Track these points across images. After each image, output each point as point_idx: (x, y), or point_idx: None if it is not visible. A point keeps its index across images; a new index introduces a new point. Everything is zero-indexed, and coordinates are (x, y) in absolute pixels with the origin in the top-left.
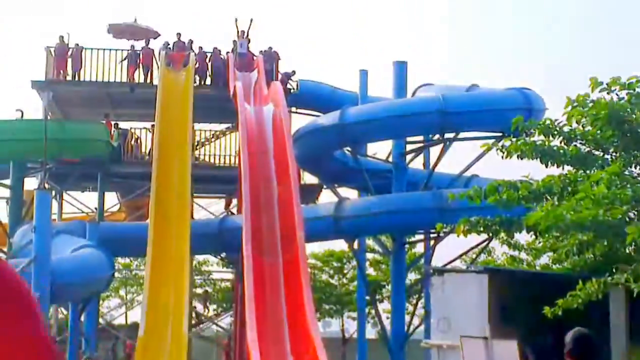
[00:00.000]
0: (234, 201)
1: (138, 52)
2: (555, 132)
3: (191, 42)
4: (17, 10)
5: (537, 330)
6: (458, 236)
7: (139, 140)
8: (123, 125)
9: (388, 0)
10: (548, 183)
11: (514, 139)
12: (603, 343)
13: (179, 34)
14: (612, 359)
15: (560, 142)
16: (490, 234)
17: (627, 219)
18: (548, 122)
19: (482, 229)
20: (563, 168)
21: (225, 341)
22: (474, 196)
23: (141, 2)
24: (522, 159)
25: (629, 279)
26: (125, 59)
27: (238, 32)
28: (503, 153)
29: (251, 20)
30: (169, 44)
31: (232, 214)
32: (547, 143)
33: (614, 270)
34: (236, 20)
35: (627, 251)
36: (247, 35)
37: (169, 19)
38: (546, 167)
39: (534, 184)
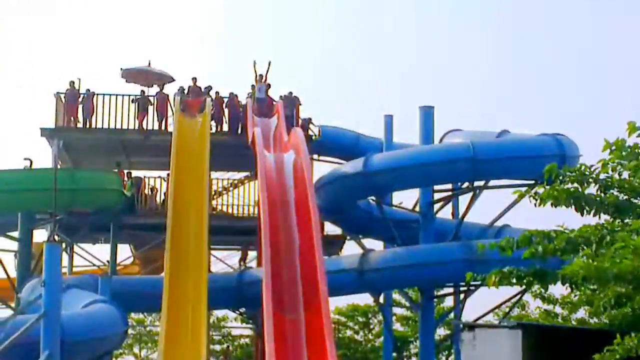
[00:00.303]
0: (253, 253)
1: (147, 97)
2: (591, 180)
3: (208, 87)
4: (26, 54)
5: None
6: (489, 287)
7: (153, 190)
8: (136, 174)
9: (413, 44)
10: (585, 232)
11: (547, 187)
12: None
13: (194, 79)
14: None
15: (597, 190)
16: (524, 286)
17: None
18: (583, 168)
19: (514, 280)
20: (600, 217)
21: None
22: (506, 247)
23: (155, 45)
24: (556, 206)
25: None
26: (134, 101)
27: (256, 75)
28: (536, 200)
29: (269, 63)
30: (184, 89)
31: (248, 267)
32: (580, 190)
33: None
34: (254, 63)
35: None
36: (266, 79)
37: (184, 61)
38: (581, 215)
39: (570, 234)
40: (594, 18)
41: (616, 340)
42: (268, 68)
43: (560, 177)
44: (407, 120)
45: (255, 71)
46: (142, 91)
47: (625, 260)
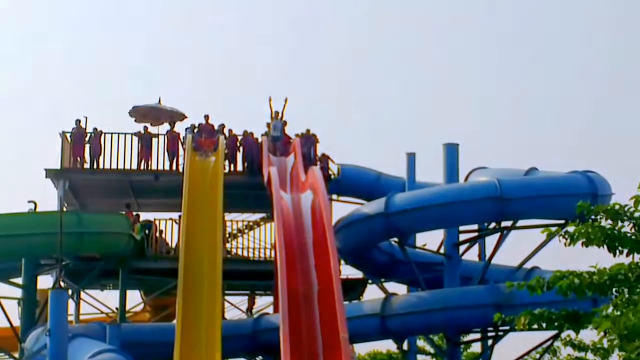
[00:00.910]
0: (267, 299)
1: (151, 135)
2: (625, 218)
3: (221, 125)
4: (29, 91)
5: None
6: (519, 329)
7: (164, 233)
8: (146, 216)
9: (435, 79)
10: (618, 272)
11: (578, 224)
12: None
13: (206, 116)
14: None
15: (631, 229)
16: (555, 330)
17: None
18: (617, 206)
19: (545, 323)
20: (634, 257)
21: None
22: (536, 287)
23: (165, 82)
24: (587, 246)
25: None
26: (136, 135)
27: (272, 112)
28: (566, 239)
29: (286, 100)
30: (195, 127)
31: (264, 314)
32: (614, 228)
33: None
34: (270, 99)
35: None
36: (283, 117)
37: (195, 98)
38: (614, 256)
39: (605, 272)
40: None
41: None
42: (285, 105)
43: (592, 215)
44: (431, 158)
45: (271, 107)
46: (145, 127)
47: None
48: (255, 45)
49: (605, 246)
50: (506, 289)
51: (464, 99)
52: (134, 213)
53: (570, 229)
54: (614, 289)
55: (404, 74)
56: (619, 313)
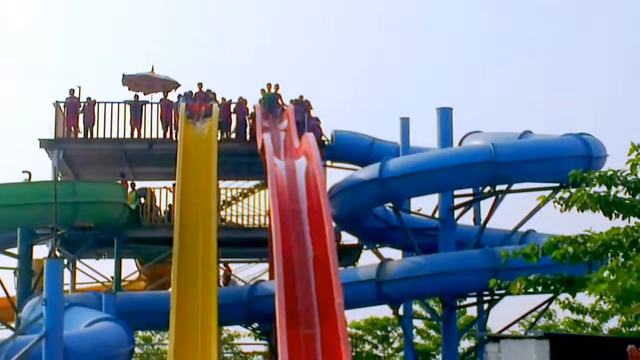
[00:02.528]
0: (263, 265)
1: (142, 102)
2: (619, 182)
3: (213, 93)
4: (22, 62)
5: None
6: (514, 294)
7: (159, 201)
8: (141, 184)
9: (428, 44)
10: (616, 235)
11: (572, 190)
12: None
13: (200, 84)
14: None
15: (625, 193)
16: (550, 294)
17: None
18: (610, 172)
19: (540, 287)
20: (629, 220)
21: None
22: (531, 254)
23: (158, 50)
24: (583, 211)
25: None
26: (126, 103)
27: (269, 87)
28: (561, 205)
29: (277, 87)
30: (189, 95)
31: (260, 280)
32: (609, 194)
33: None
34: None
35: None
36: (271, 87)
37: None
38: (610, 219)
39: (600, 237)
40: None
41: None
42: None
43: (586, 181)
44: (424, 123)
45: (269, 87)
46: (136, 95)
47: None
48: (250, 12)
49: (600, 211)
50: (502, 254)
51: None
52: (129, 182)
53: (565, 195)
54: (609, 254)
55: (398, 38)
56: (614, 277)
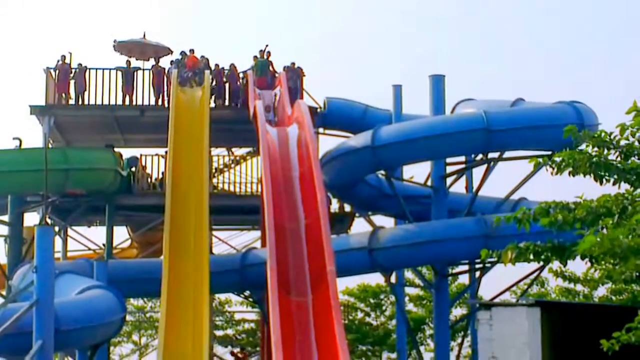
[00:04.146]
0: (257, 233)
1: (134, 69)
2: (611, 146)
3: (205, 59)
4: (14, 27)
5: None
6: (505, 264)
7: (150, 169)
8: (133, 152)
9: (421, 12)
10: (606, 202)
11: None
12: None
13: (192, 50)
14: None
15: (617, 157)
16: (542, 262)
17: None
18: (603, 134)
19: (532, 256)
20: (620, 187)
21: None
22: (522, 219)
23: (150, 16)
24: (574, 175)
25: None
26: (122, 70)
27: (264, 53)
28: (553, 169)
29: (266, 46)
30: (181, 59)
31: (252, 248)
32: (601, 154)
33: None
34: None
35: None
36: (264, 55)
37: (181, 34)
38: (600, 184)
39: (591, 204)
40: None
41: (638, 317)
42: (265, 48)
43: (579, 142)
44: (417, 90)
45: (264, 52)
46: (128, 61)
47: None
48: None
49: (591, 175)
50: (494, 220)
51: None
52: (121, 149)
53: (558, 158)
54: (599, 222)
55: (391, 5)
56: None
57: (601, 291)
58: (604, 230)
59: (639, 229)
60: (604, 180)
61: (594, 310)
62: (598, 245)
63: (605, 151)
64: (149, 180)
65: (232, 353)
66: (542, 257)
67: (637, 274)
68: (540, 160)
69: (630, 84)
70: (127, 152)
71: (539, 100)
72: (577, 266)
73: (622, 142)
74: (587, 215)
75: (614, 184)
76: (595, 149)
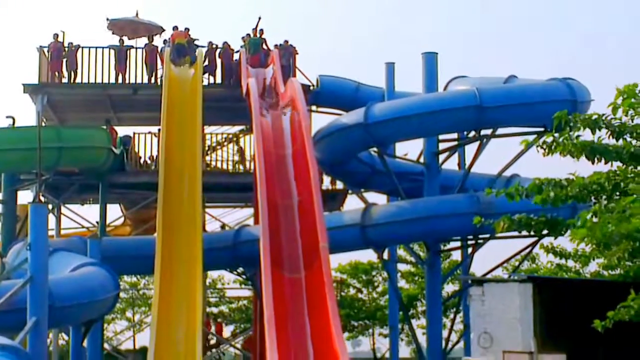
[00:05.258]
0: (250, 210)
1: (126, 48)
2: (603, 126)
3: (187, 29)
4: (8, 7)
5: (587, 343)
6: (498, 232)
7: (144, 147)
8: (126, 130)
9: None
10: (598, 180)
11: (556, 135)
12: None
13: (187, 29)
14: None
15: (608, 137)
16: (534, 237)
17: None
18: (595, 116)
19: (524, 227)
20: (612, 165)
21: None
22: (515, 194)
23: None
24: (565, 156)
25: None
26: (114, 49)
27: (257, 27)
28: (545, 150)
29: (259, 18)
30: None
31: (245, 225)
32: (593, 137)
33: None
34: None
35: None
36: (256, 34)
37: (174, 13)
38: (593, 163)
39: (583, 181)
40: None
41: (631, 295)
42: (258, 22)
43: (571, 124)
44: (410, 68)
45: (257, 27)
46: (121, 40)
47: (633, 220)
48: None
49: (583, 156)
50: (485, 198)
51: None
52: (114, 127)
53: (549, 139)
54: (591, 198)
55: None
56: (597, 220)
57: (592, 267)
58: (594, 219)
59: (630, 210)
60: (596, 160)
61: (585, 285)
62: (589, 236)
63: (597, 132)
64: (140, 159)
65: (206, 323)
66: (535, 228)
67: (630, 253)
68: (532, 140)
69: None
70: (120, 131)
71: (532, 77)
72: (568, 242)
73: (614, 122)
74: (580, 192)
75: (605, 163)
76: (586, 130)
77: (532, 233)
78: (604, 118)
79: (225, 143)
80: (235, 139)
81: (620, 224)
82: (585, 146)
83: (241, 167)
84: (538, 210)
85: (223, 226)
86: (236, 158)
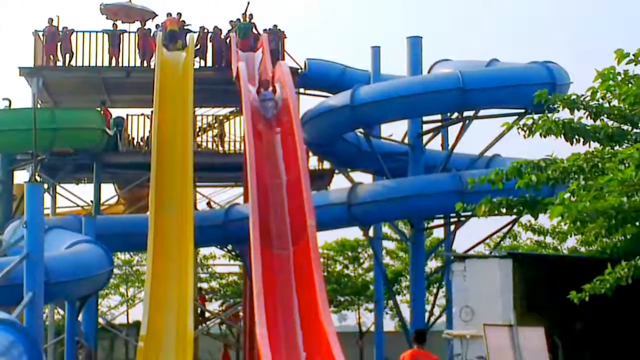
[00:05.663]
0: (239, 189)
1: (121, 32)
2: (581, 106)
3: (185, 23)
4: None
5: (565, 317)
6: (479, 217)
7: (137, 128)
8: (119, 112)
9: None
10: (576, 161)
11: (535, 117)
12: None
13: (179, 14)
14: None
15: (586, 117)
16: (514, 214)
17: None
18: (574, 97)
19: (504, 209)
20: (590, 145)
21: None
22: (496, 180)
23: None
24: (545, 136)
25: None
26: (108, 33)
27: (247, 11)
28: (525, 132)
29: (248, 3)
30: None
31: (235, 203)
32: (572, 120)
33: None
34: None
35: None
36: (246, 18)
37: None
38: (571, 144)
39: (562, 163)
40: None
41: (607, 270)
42: (247, 7)
43: (550, 105)
44: (395, 51)
45: (247, 11)
46: (114, 24)
47: (609, 197)
48: None
49: (562, 136)
50: (468, 181)
51: None
52: (109, 109)
53: (529, 122)
54: (570, 179)
55: None
56: (574, 199)
57: (570, 242)
58: (572, 198)
59: (607, 188)
60: (574, 141)
61: (563, 261)
62: (566, 214)
63: (576, 112)
64: (133, 140)
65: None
66: (515, 210)
67: (606, 230)
68: (512, 122)
69: None
70: (114, 113)
71: (513, 60)
72: (546, 219)
73: (592, 103)
74: (560, 175)
75: (584, 143)
76: (566, 110)
77: (512, 215)
78: (582, 99)
79: (216, 124)
80: (215, 122)
81: (596, 202)
82: (565, 124)
83: (221, 148)
84: (518, 188)
85: (209, 203)
86: (217, 140)
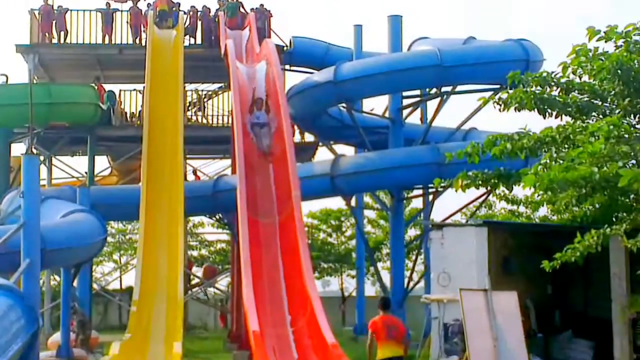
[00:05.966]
0: (227, 162)
1: (112, 11)
2: (553, 84)
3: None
4: None
5: (537, 281)
6: (456, 191)
7: (129, 103)
8: (113, 87)
9: None
10: (548, 135)
11: (510, 92)
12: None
13: None
14: (612, 308)
15: (559, 93)
16: (490, 188)
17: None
18: (545, 74)
19: (480, 183)
20: (562, 119)
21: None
22: (472, 153)
23: None
24: (519, 110)
25: (628, 230)
26: (101, 12)
27: None
28: (500, 106)
29: None
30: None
31: (223, 175)
32: (543, 92)
33: (614, 220)
34: None
35: (628, 201)
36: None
37: None
38: (544, 118)
39: (535, 136)
40: None
41: (577, 238)
42: None
43: (523, 82)
44: (377, 30)
45: None
46: (108, 3)
47: (579, 167)
48: None
49: (535, 110)
50: (446, 155)
51: None
52: (103, 85)
53: (504, 96)
54: (543, 150)
55: None
56: (547, 171)
57: (542, 211)
58: (545, 170)
59: (578, 159)
60: (547, 115)
61: (537, 229)
62: (538, 183)
63: (548, 89)
64: (126, 114)
65: (189, 265)
66: (490, 183)
67: (577, 199)
68: (488, 97)
69: None
70: (108, 88)
71: (489, 38)
72: (522, 192)
73: (563, 80)
74: (534, 144)
75: (556, 117)
76: (539, 87)
77: (488, 188)
78: (553, 76)
79: (205, 99)
80: (199, 100)
81: (567, 172)
82: (536, 96)
83: (204, 120)
84: (494, 161)
85: (195, 172)
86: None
